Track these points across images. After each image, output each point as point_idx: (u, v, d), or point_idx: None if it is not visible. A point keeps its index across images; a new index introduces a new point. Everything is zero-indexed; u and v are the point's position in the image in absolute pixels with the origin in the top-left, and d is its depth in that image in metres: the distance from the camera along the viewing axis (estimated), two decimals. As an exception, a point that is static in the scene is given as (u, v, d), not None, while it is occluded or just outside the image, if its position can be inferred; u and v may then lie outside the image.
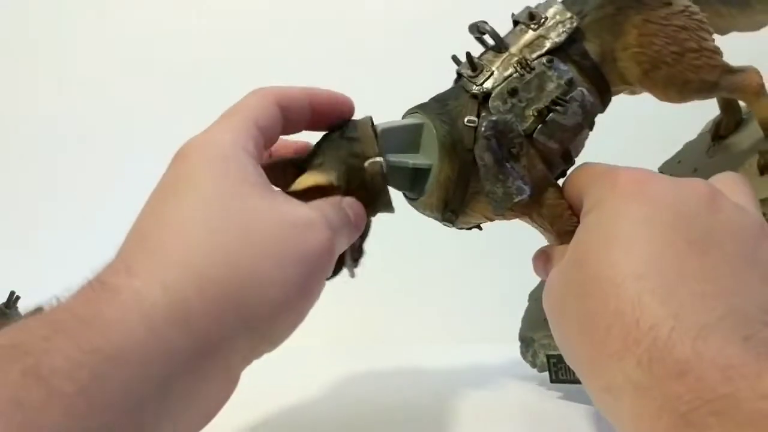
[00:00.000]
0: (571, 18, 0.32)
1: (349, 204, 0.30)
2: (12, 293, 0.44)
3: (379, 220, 0.35)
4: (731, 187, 0.28)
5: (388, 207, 0.32)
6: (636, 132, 0.52)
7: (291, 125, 0.31)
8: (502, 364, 0.46)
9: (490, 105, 0.31)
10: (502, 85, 0.31)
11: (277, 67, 0.65)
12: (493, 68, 0.32)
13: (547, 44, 0.32)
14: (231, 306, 0.23)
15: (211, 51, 0.69)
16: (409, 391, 0.41)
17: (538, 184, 0.31)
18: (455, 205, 0.32)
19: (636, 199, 0.25)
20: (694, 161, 0.40)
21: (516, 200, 0.30)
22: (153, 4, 0.71)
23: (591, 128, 0.33)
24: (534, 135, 0.31)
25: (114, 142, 0.69)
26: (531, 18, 0.32)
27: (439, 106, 0.32)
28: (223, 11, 0.71)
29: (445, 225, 0.34)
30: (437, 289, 0.62)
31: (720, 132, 0.39)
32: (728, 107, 0.39)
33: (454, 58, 0.32)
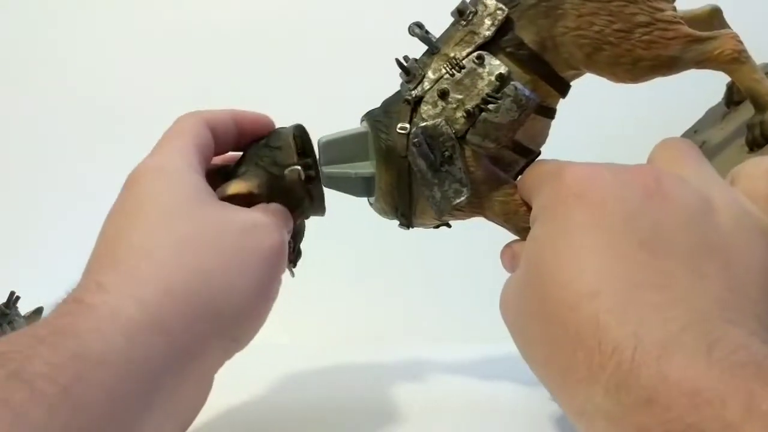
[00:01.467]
0: (500, 9, 0.30)
1: (274, 211, 0.31)
2: (12, 293, 0.45)
3: (379, 220, 0.35)
4: (673, 156, 0.27)
5: (318, 211, 0.34)
6: (667, 96, 0.49)
7: (220, 146, 0.33)
8: (501, 364, 0.46)
9: (420, 110, 0.30)
10: (433, 88, 0.30)
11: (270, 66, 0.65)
12: (427, 71, 0.31)
13: (477, 40, 0.30)
14: (202, 313, 0.26)
15: (211, 50, 0.69)
16: (407, 390, 0.42)
17: (481, 183, 0.31)
18: (404, 209, 0.32)
19: (580, 203, 0.24)
20: (707, 131, 0.38)
21: (454, 203, 0.30)
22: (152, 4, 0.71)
23: (551, 117, 0.32)
24: (467, 136, 0.30)
25: (113, 143, 0.68)
26: (460, 14, 0.31)
27: (381, 112, 0.32)
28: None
29: (401, 227, 0.34)
30: (436, 288, 0.62)
31: (734, 97, 0.36)
32: None
33: (398, 62, 0.32)
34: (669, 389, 0.18)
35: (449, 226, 0.34)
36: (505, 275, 0.28)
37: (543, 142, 0.32)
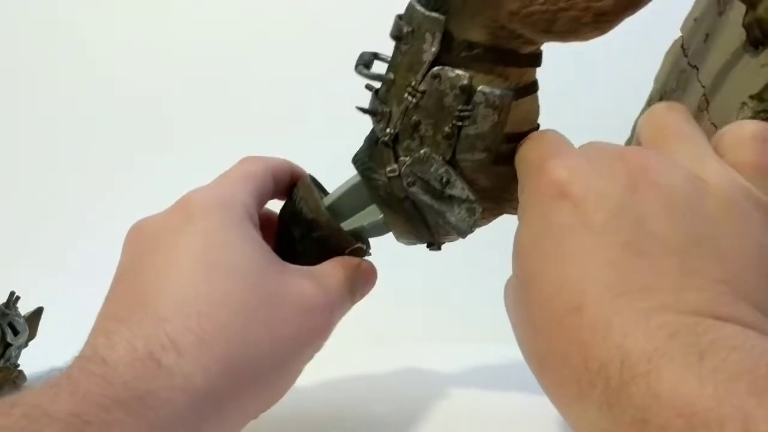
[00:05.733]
0: (435, 19, 0.27)
1: (335, 289, 0.31)
2: (12, 293, 0.45)
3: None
4: (659, 132, 0.25)
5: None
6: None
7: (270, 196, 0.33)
8: (502, 364, 0.45)
9: (401, 147, 0.29)
10: (403, 122, 0.29)
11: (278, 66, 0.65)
12: (392, 106, 0.29)
13: (425, 59, 0.28)
14: (247, 385, 0.26)
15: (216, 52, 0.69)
16: (407, 390, 0.41)
17: (491, 190, 0.30)
18: (427, 237, 0.32)
19: (560, 203, 0.23)
20: (707, 21, 0.35)
21: (471, 221, 0.29)
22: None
23: (535, 91, 0.30)
24: (456, 157, 0.28)
25: (114, 144, 0.69)
26: (398, 39, 0.29)
27: (366, 157, 0.31)
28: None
29: (432, 250, 0.34)
30: (437, 288, 0.62)
31: None
32: None
33: (360, 108, 0.31)
34: (663, 409, 0.17)
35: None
36: (509, 275, 0.28)
37: (537, 116, 0.31)
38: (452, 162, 0.29)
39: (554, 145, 0.26)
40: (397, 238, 0.33)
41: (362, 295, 0.33)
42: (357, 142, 0.33)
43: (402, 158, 0.29)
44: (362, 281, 0.32)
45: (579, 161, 0.24)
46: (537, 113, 0.31)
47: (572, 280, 0.21)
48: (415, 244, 0.33)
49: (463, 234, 0.30)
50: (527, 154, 0.27)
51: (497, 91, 0.27)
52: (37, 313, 0.46)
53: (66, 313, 0.44)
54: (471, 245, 0.33)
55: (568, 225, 0.22)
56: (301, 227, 0.33)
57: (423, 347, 0.53)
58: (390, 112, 0.29)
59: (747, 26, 0.29)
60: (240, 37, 0.68)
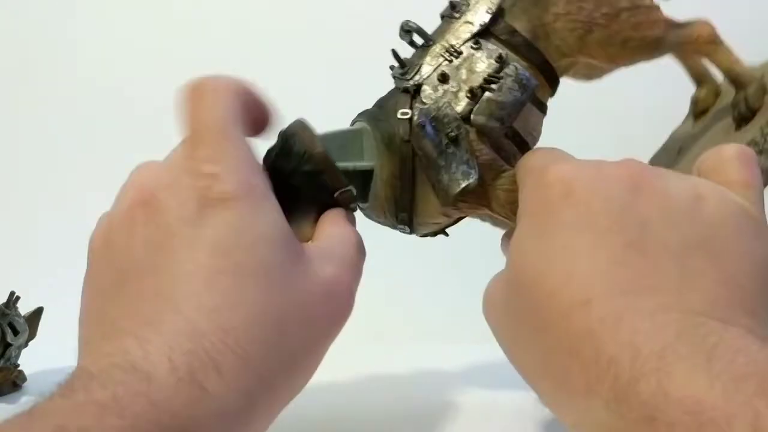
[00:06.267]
0: None
1: (353, 268, 0.28)
2: (12, 293, 0.45)
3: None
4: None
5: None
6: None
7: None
8: (502, 364, 0.45)
9: (421, 95, 0.30)
10: (432, 74, 0.30)
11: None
12: (423, 62, 0.31)
13: (473, 28, 0.31)
14: (282, 398, 0.25)
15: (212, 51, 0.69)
16: (407, 390, 0.41)
17: (486, 169, 0.30)
18: (405, 204, 0.31)
19: (565, 203, 0.24)
20: (681, 141, 0.38)
21: (463, 185, 0.29)
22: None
23: (543, 112, 0.32)
24: (471, 116, 0.29)
25: (114, 144, 0.68)
26: (453, 8, 0.32)
27: (377, 107, 0.32)
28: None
29: (402, 231, 0.32)
30: (436, 287, 0.62)
31: (699, 108, 0.38)
32: (702, 78, 0.38)
33: (394, 53, 0.31)
34: (671, 407, 0.17)
35: (447, 234, 0.34)
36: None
37: (538, 138, 0.32)
38: (465, 122, 0.30)
39: (559, 154, 0.27)
40: (373, 198, 0.31)
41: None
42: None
43: (417, 105, 0.30)
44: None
45: (583, 164, 0.25)
46: (539, 133, 0.32)
47: (580, 275, 0.22)
48: (384, 216, 0.32)
49: (446, 199, 0.30)
50: (532, 159, 0.28)
51: (527, 73, 0.30)
52: (37, 313, 0.46)
53: (66, 313, 0.44)
54: (472, 245, 0.33)
55: (573, 224, 0.23)
56: (290, 163, 0.30)
57: (423, 347, 0.53)
58: (421, 64, 0.31)
59: (734, 104, 0.33)
60: (240, 37, 0.68)
